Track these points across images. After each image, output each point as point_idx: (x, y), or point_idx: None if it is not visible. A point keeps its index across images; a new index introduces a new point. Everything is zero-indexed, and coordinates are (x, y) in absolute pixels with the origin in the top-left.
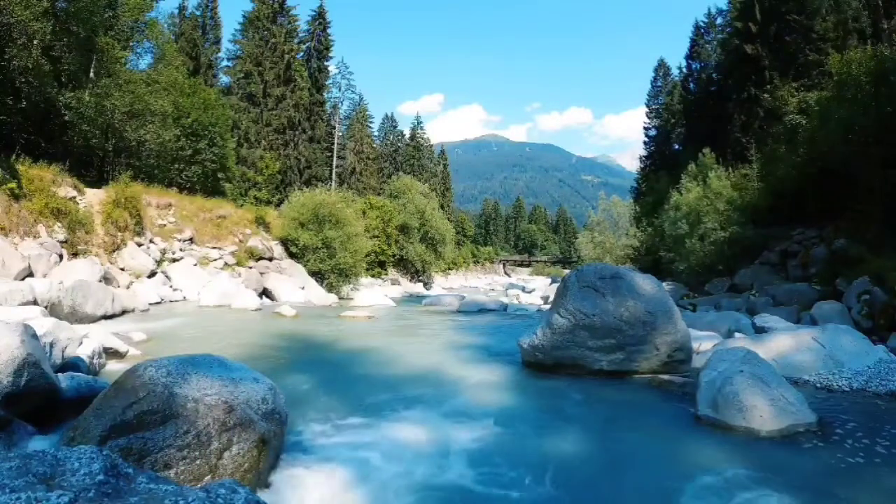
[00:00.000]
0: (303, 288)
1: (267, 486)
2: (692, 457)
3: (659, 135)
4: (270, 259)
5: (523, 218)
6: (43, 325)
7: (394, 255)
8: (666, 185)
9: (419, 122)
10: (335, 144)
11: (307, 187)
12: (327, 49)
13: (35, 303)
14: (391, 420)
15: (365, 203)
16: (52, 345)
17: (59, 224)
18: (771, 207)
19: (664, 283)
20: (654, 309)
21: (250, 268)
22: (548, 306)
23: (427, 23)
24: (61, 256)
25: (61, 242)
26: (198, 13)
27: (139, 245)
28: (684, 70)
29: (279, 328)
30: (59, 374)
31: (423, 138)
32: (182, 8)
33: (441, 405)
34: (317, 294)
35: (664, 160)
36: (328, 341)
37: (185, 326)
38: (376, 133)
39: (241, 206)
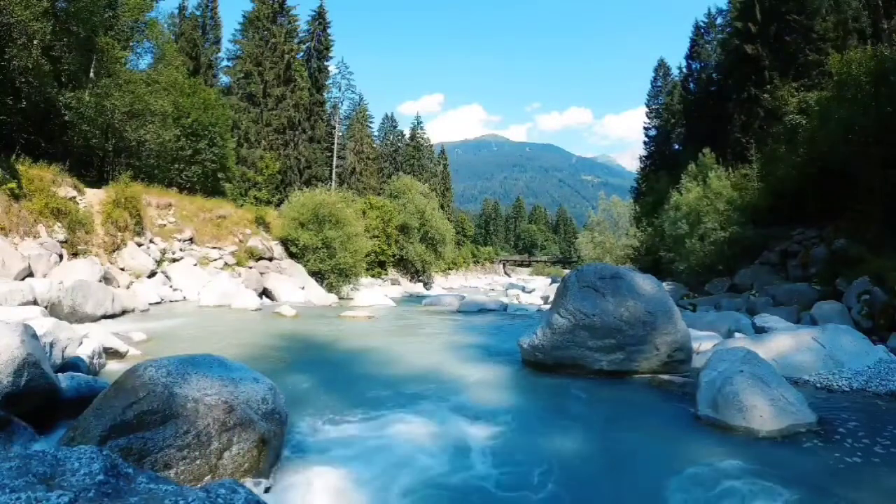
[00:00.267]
0: (303, 288)
1: (267, 485)
2: (692, 457)
3: (659, 135)
4: (270, 259)
5: (523, 218)
6: (43, 325)
7: (394, 255)
8: (666, 185)
9: (419, 122)
10: (335, 144)
11: (307, 187)
12: (327, 49)
13: (35, 303)
14: (391, 420)
15: (365, 203)
16: (52, 345)
17: (59, 224)
18: (771, 207)
19: (664, 283)
20: (654, 309)
21: (250, 268)
22: (548, 306)
23: (427, 23)
24: (61, 256)
25: (61, 242)
26: (198, 13)
27: (139, 245)
28: (684, 70)
29: (279, 328)
30: (59, 374)
31: (423, 138)
32: (182, 8)
33: (441, 405)
34: (317, 294)
35: (664, 160)
36: (328, 341)
37: (185, 326)
38: (376, 133)
39: (241, 206)
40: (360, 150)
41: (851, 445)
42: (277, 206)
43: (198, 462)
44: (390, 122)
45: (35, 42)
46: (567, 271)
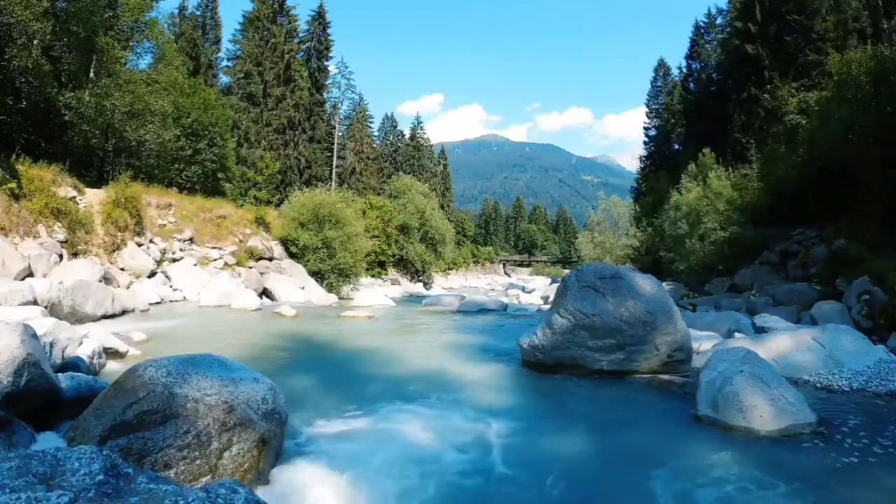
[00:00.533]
0: (303, 288)
1: (267, 485)
2: (692, 457)
3: (659, 135)
4: (270, 259)
5: (523, 218)
6: (43, 325)
7: (394, 255)
8: (666, 185)
9: (419, 122)
10: (335, 144)
11: (307, 187)
12: (327, 49)
13: (35, 303)
14: (391, 420)
15: (365, 203)
16: (52, 345)
17: (59, 224)
18: (771, 207)
19: (664, 283)
20: (654, 309)
21: (250, 268)
22: (548, 306)
23: (427, 23)
24: (61, 256)
25: (61, 242)
26: (198, 13)
27: (139, 245)
28: (684, 70)
29: (279, 328)
30: (59, 374)
31: (423, 138)
32: (182, 8)
33: (441, 405)
34: (317, 294)
35: (664, 160)
36: (328, 341)
37: (184, 326)
38: (376, 133)
39: (241, 206)
40: (360, 150)
41: (851, 445)
42: (277, 206)
43: (198, 462)
44: (390, 122)
45: (35, 42)
46: (567, 271)
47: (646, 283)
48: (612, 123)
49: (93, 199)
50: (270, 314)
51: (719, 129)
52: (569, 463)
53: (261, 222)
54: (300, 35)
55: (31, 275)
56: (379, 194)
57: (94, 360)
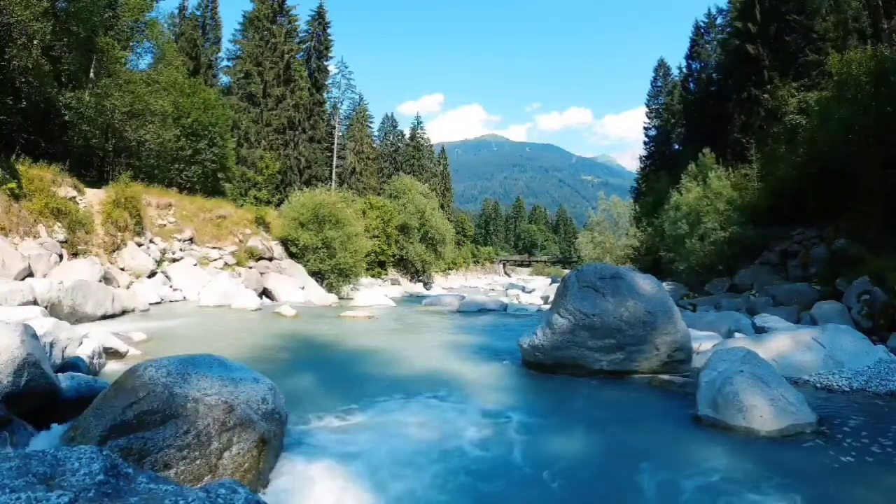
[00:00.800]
0: (303, 288)
1: (267, 485)
2: (692, 457)
3: (659, 135)
4: (270, 259)
5: (523, 218)
6: (43, 325)
7: (394, 255)
8: (666, 185)
9: (419, 122)
10: (335, 144)
11: (307, 187)
12: (327, 49)
13: (35, 303)
14: (391, 420)
15: (365, 203)
16: (52, 345)
17: (59, 224)
18: (771, 207)
19: (664, 283)
20: (654, 309)
21: (250, 268)
22: (548, 306)
23: (427, 23)
24: (61, 256)
25: (61, 242)
26: (198, 13)
27: (139, 245)
28: (684, 70)
29: (279, 328)
30: (59, 374)
31: (423, 138)
32: (182, 8)
33: (441, 405)
34: (317, 294)
35: (664, 160)
36: (328, 341)
37: (185, 326)
38: (376, 133)
39: (241, 206)
40: (360, 150)
41: (851, 445)
42: (277, 206)
43: (198, 462)
44: (390, 122)
45: (35, 42)
46: (567, 271)
47: (646, 283)
48: (612, 123)
49: (93, 199)
50: (270, 314)
51: (719, 129)
52: (569, 462)
53: (261, 222)
54: (300, 35)
55: (31, 275)
56: (379, 194)
57: (94, 360)
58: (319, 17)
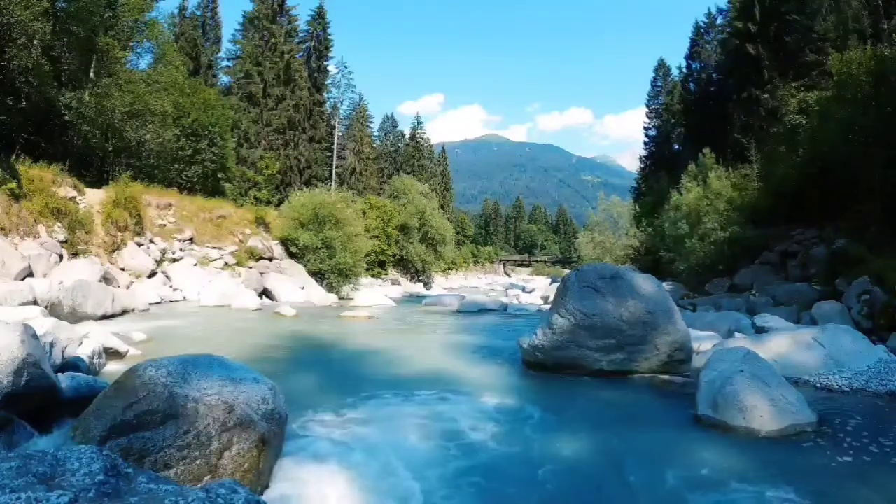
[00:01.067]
0: (303, 288)
1: (267, 485)
2: (692, 457)
3: (659, 135)
4: (270, 259)
5: (523, 218)
6: (43, 325)
7: (394, 255)
8: (666, 185)
9: (419, 122)
10: (335, 144)
11: (307, 187)
12: (327, 49)
13: (35, 303)
14: (391, 420)
15: (365, 203)
16: (52, 345)
17: (59, 224)
18: (771, 207)
19: (664, 283)
20: (654, 309)
21: (250, 268)
22: (548, 306)
23: (427, 23)
24: (61, 256)
25: (61, 242)
26: (198, 13)
27: (139, 245)
28: (684, 70)
29: (279, 328)
30: (59, 374)
31: (423, 138)
32: (182, 8)
33: (442, 405)
34: (317, 294)
35: (664, 160)
36: (328, 341)
37: (185, 326)
38: (376, 133)
39: (241, 206)
40: (360, 150)
41: (851, 445)
42: (277, 206)
43: (198, 462)
44: (390, 122)
45: (35, 42)
46: (567, 271)
47: (646, 283)
48: (612, 123)
49: (93, 199)
50: (270, 314)
51: (719, 129)
52: (568, 462)
53: (261, 222)
54: (300, 35)
55: (31, 275)
56: (379, 194)
57: (94, 360)
58: (319, 17)
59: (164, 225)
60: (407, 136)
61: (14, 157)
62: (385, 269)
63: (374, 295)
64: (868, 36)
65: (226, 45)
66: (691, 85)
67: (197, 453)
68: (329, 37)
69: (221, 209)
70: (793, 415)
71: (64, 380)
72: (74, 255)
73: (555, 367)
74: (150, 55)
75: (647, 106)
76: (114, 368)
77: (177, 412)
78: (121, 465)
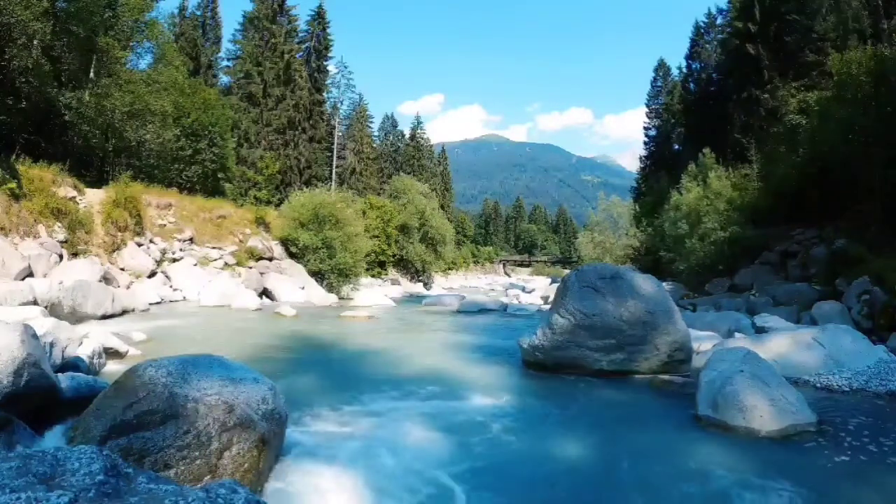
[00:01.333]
0: (303, 288)
1: (267, 486)
2: (692, 457)
3: (659, 135)
4: (270, 259)
5: (523, 218)
6: (43, 325)
7: (394, 255)
8: (666, 185)
9: (419, 122)
10: (335, 144)
11: (307, 187)
12: (327, 49)
13: (35, 303)
14: (391, 420)
15: (365, 203)
16: (52, 345)
17: (59, 224)
18: (771, 207)
19: (664, 283)
20: (654, 309)
21: (250, 268)
22: (548, 306)
23: (427, 23)
24: (61, 256)
25: (61, 242)
26: (198, 13)
27: (139, 245)
28: (684, 70)
29: (279, 328)
30: (59, 374)
31: (423, 138)
32: (182, 8)
33: (441, 405)
34: (317, 294)
35: (664, 160)
36: (328, 341)
37: (185, 326)
38: (376, 133)
39: (241, 206)
40: (360, 150)
41: (851, 445)
42: (277, 206)
43: (198, 462)
44: (390, 122)
45: (35, 42)
46: (567, 271)
47: (646, 283)
48: (612, 123)
49: (93, 199)
50: (270, 314)
51: (719, 129)
52: (568, 462)
53: (261, 222)
54: (300, 35)
55: (31, 275)
56: (379, 194)
57: (94, 360)
58: (319, 17)
59: (164, 225)
60: (407, 136)
61: (14, 157)
62: (385, 269)
63: (374, 295)
64: (868, 36)
65: (226, 45)
66: (691, 85)
67: (197, 453)
68: (329, 37)
69: (221, 209)
70: (793, 415)
71: (64, 380)
72: (74, 255)
73: (555, 367)
74: (150, 55)
75: (647, 106)
76: (114, 368)
77: (177, 412)
78: (121, 465)
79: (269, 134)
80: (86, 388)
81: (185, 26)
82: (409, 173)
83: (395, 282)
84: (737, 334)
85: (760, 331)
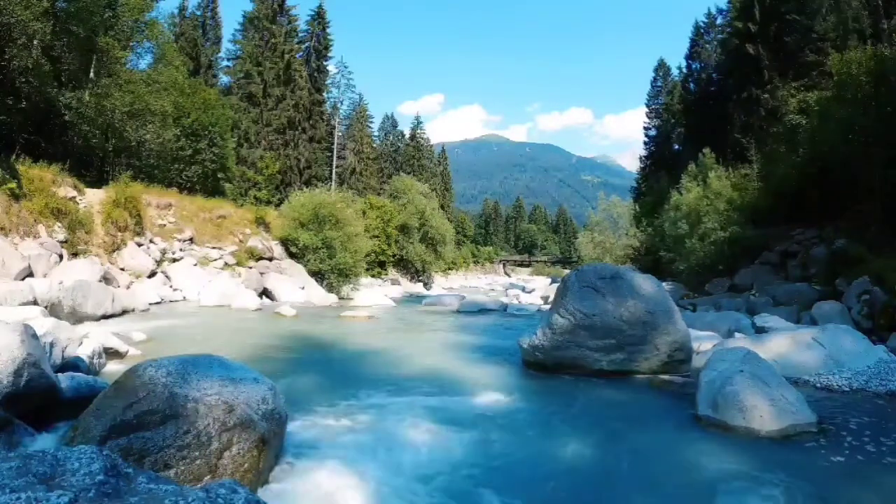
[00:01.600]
0: (303, 288)
1: (267, 485)
2: (692, 457)
3: (659, 135)
4: (270, 259)
5: (523, 218)
6: (43, 325)
7: (394, 255)
8: (666, 185)
9: (419, 122)
10: (335, 144)
11: (307, 187)
12: (327, 49)
13: (35, 303)
14: (391, 420)
15: (365, 203)
16: (52, 345)
17: (59, 224)
18: (771, 207)
19: (664, 283)
20: (654, 309)
21: (250, 268)
22: (548, 306)
23: (427, 23)
24: (61, 256)
25: (61, 242)
26: (198, 13)
27: (139, 245)
28: (684, 70)
29: (279, 328)
30: (59, 374)
31: (423, 138)
32: (182, 8)
33: (442, 405)
34: (317, 294)
35: (664, 160)
36: (328, 341)
37: (185, 326)
38: (376, 133)
39: (241, 206)
40: (360, 150)
41: (851, 445)
42: (277, 206)
43: (198, 462)
44: (390, 122)
45: (35, 42)
46: (567, 271)
47: (646, 283)
48: (612, 123)
49: (93, 199)
50: (270, 314)
51: (719, 129)
52: (569, 462)
53: (261, 222)
54: (300, 35)
55: (31, 275)
56: (379, 194)
57: (94, 360)
58: (319, 17)
59: (164, 225)
60: (407, 136)
61: (14, 157)
62: (385, 269)
63: (374, 295)
64: (868, 36)
65: (226, 45)
66: (691, 85)
67: (197, 453)
68: (329, 37)
69: (221, 209)
70: (793, 415)
71: (64, 380)
72: (74, 255)
73: (555, 367)
74: (150, 55)
75: (647, 106)
76: (114, 368)
77: (177, 412)
78: (121, 465)
79: (269, 134)
80: (86, 388)
81: (185, 26)
82: (409, 173)
83: (395, 282)
84: (737, 334)
85: (760, 331)
